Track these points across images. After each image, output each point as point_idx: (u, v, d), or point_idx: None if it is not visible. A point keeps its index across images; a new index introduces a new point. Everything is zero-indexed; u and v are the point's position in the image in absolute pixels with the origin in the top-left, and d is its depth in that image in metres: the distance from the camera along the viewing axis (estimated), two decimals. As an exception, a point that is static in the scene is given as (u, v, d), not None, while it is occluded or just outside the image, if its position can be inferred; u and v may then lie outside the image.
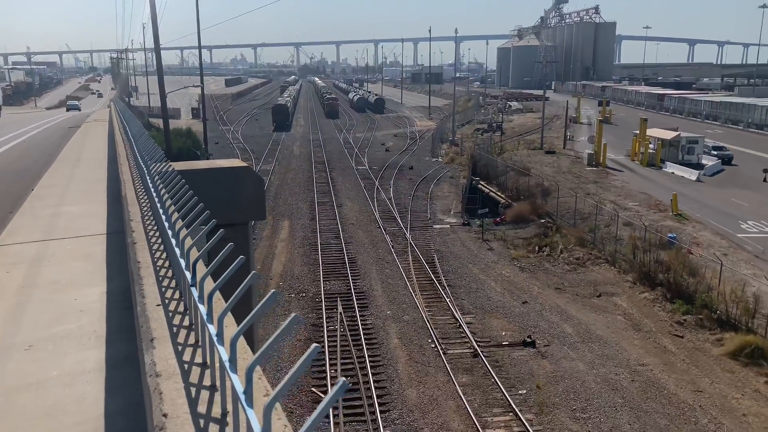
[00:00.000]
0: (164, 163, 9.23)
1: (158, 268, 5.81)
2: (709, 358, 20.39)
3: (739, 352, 20.17)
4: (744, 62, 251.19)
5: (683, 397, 18.11)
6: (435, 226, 37.16)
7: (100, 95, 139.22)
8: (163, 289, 5.22)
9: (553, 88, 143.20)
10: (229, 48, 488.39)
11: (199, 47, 54.07)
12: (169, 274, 5.55)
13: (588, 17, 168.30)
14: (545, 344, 21.56)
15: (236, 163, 18.39)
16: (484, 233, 34.89)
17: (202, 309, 3.76)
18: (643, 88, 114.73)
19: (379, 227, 36.28)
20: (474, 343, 21.40)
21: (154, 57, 31.33)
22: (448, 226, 37.44)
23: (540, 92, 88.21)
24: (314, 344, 2.28)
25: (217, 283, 3.60)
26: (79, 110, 69.64)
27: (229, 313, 3.81)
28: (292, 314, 2.51)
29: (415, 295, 25.91)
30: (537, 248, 32.12)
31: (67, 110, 67.12)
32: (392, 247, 32.43)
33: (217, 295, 4.24)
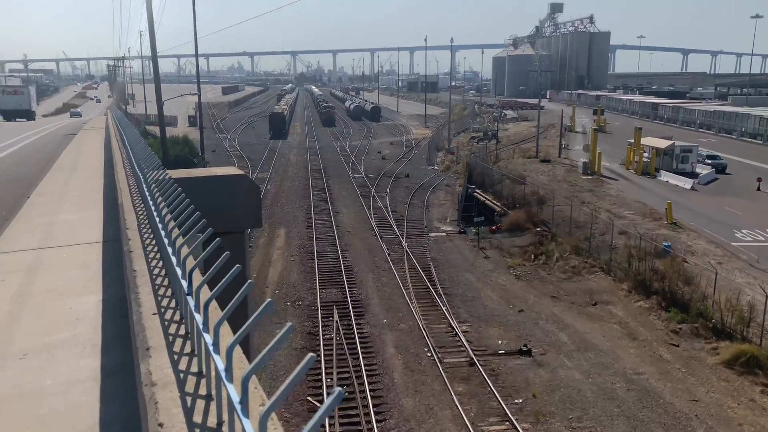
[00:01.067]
0: (161, 171, 9.24)
1: (154, 277, 5.81)
2: (705, 367, 20.42)
3: (734, 361, 20.20)
4: (737, 71, 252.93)
5: (679, 406, 18.12)
6: (431, 234, 37.20)
7: (98, 101, 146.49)
8: (159, 298, 5.22)
9: (548, 96, 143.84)
10: (226, 56, 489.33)
11: (196, 55, 54.17)
12: (166, 282, 5.55)
13: (583, 27, 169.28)
14: (541, 353, 21.56)
15: (232, 171, 18.40)
16: (480, 241, 34.94)
17: (198, 318, 3.76)
18: (638, 97, 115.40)
19: (376, 235, 36.29)
20: (470, 351, 21.38)
21: (151, 65, 31.39)
22: (444, 234, 37.48)
23: (535, 101, 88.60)
24: (310, 354, 2.29)
25: (213, 292, 3.61)
26: (81, 116, 76.03)
27: (225, 322, 3.82)
28: (288, 324, 2.52)
29: (412, 303, 25.90)
30: (533, 256, 32.17)
31: (71, 116, 76.13)
32: (388, 254, 32.43)
33: (214, 303, 4.25)
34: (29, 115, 70.68)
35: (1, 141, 34.05)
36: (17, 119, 62.61)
